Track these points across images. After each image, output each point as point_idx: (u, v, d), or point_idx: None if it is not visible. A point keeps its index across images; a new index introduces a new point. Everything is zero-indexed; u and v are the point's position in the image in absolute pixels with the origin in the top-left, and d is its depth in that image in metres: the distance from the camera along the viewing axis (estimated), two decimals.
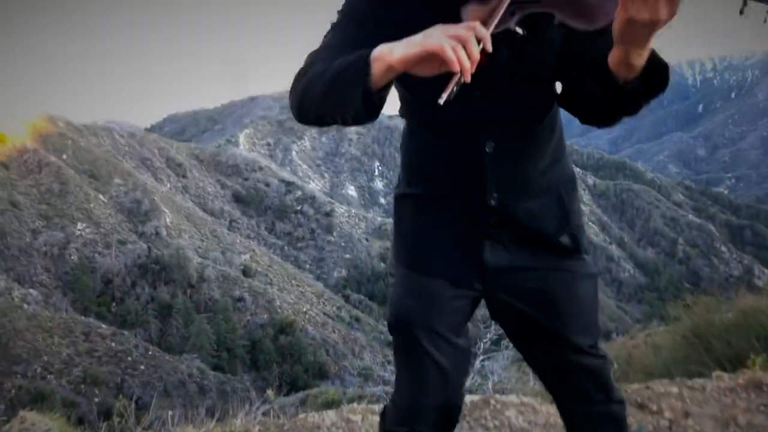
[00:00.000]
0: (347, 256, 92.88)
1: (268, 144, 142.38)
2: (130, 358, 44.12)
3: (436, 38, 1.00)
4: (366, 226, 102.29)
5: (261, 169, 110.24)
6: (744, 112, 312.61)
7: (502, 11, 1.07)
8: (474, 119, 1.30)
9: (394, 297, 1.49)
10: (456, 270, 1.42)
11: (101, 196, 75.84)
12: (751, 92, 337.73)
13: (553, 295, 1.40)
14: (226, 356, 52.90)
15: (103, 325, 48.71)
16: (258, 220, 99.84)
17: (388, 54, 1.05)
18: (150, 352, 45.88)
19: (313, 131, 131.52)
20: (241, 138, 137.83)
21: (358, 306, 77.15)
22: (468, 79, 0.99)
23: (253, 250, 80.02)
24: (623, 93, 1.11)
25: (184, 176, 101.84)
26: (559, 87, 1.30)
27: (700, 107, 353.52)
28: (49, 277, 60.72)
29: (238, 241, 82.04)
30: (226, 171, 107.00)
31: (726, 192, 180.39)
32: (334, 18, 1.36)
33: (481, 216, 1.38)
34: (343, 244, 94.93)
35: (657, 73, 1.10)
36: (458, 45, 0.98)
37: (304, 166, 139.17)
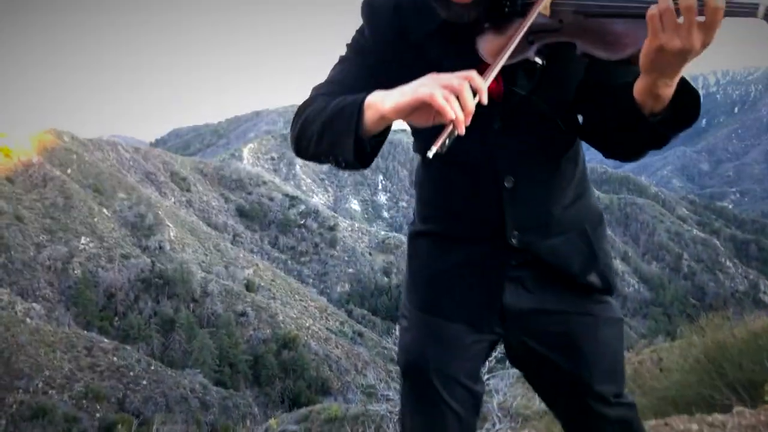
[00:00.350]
0: (350, 270, 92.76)
1: (272, 158, 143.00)
2: (132, 373, 43.93)
3: (429, 87, 0.95)
4: (369, 240, 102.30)
5: (265, 183, 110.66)
6: (747, 126, 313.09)
7: (518, 40, 1.03)
8: (492, 153, 1.23)
9: (408, 341, 1.40)
10: (475, 313, 1.33)
11: (105, 211, 76.08)
12: (755, 107, 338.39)
13: (576, 339, 1.31)
14: (228, 371, 52.68)
15: (106, 340, 48.62)
16: (261, 234, 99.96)
17: (380, 102, 1.02)
18: (152, 367, 45.69)
19: None
20: (245, 152, 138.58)
21: (362, 321, 76.97)
22: (462, 131, 0.93)
23: (257, 265, 79.98)
24: (649, 126, 1.03)
25: (188, 190, 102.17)
26: (581, 119, 1.24)
27: (704, 122, 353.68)
28: (52, 291, 60.72)
29: (241, 255, 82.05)
30: (230, 185, 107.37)
31: (730, 206, 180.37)
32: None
33: (501, 256, 1.29)
34: (346, 258, 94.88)
35: (686, 104, 1.01)
36: (451, 95, 0.93)
37: (308, 180, 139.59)
